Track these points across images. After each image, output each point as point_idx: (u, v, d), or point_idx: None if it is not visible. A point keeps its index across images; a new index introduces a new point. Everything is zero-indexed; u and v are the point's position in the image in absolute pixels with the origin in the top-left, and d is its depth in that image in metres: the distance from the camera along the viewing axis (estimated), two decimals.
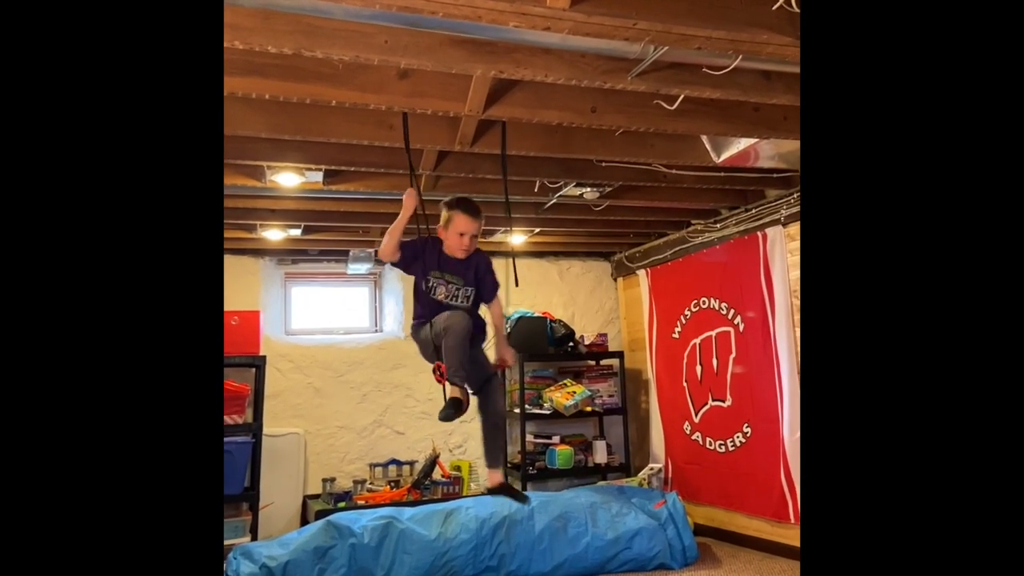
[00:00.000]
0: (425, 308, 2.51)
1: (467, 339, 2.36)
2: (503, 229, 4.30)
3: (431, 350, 2.46)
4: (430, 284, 2.49)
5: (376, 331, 5.00)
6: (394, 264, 2.51)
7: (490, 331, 2.67)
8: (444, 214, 2.49)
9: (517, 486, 4.63)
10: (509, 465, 4.86)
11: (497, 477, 2.65)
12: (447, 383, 2.32)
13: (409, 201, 2.46)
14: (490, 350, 2.69)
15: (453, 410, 2.30)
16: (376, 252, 4.66)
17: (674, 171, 3.41)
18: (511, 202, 3.16)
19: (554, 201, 3.75)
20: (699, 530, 4.17)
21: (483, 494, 2.52)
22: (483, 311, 2.64)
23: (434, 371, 2.38)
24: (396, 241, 2.44)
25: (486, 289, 2.59)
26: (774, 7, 1.90)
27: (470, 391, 2.45)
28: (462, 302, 2.52)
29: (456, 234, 2.46)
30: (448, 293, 2.51)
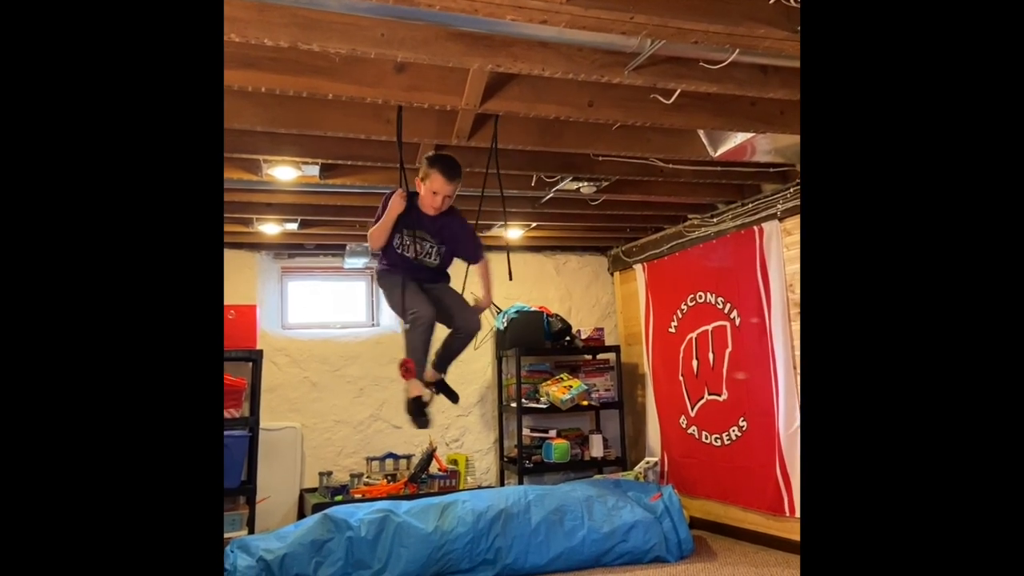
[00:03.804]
0: (394, 261, 2.60)
1: (430, 332, 2.47)
2: (499, 224, 4.30)
3: (399, 301, 2.52)
4: (403, 241, 2.56)
5: (373, 325, 5.00)
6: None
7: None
8: (423, 168, 2.52)
9: (512, 480, 4.65)
10: (506, 459, 4.88)
11: (435, 376, 2.70)
12: (411, 379, 2.44)
13: (398, 203, 2.51)
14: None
15: (420, 410, 2.45)
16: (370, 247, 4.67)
17: (671, 165, 3.41)
18: (507, 196, 3.15)
19: (551, 195, 3.75)
20: (695, 523, 4.19)
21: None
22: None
23: (401, 366, 2.45)
24: (386, 235, 2.52)
25: (467, 250, 2.68)
26: (771, 1, 1.90)
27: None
28: (434, 260, 2.60)
29: (430, 192, 2.49)
30: (420, 251, 2.58)
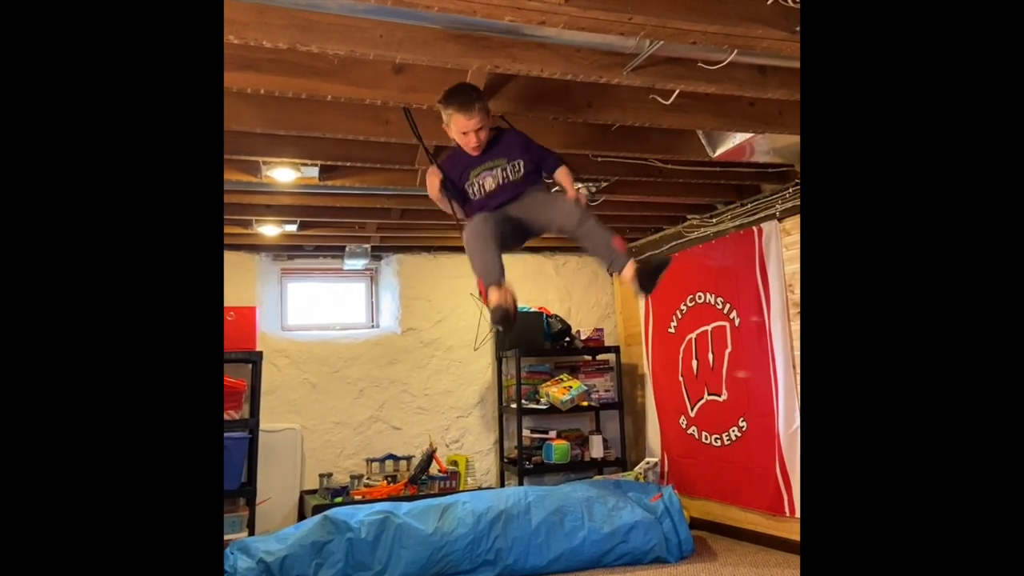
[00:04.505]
0: (475, 207, 2.44)
1: (488, 239, 2.25)
2: None
3: (491, 243, 2.28)
4: (475, 185, 2.42)
5: (372, 327, 5.00)
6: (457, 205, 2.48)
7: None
8: (442, 113, 2.32)
9: (512, 481, 4.64)
10: (506, 460, 4.88)
11: (630, 270, 2.25)
12: (487, 293, 2.19)
13: (432, 179, 2.45)
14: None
15: (501, 317, 2.16)
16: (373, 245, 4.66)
17: (670, 166, 3.41)
18: None
19: None
20: (695, 524, 4.19)
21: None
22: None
23: (481, 294, 2.26)
24: (449, 207, 2.45)
25: (543, 160, 2.49)
26: (769, 2, 1.90)
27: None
28: (514, 178, 2.42)
29: (460, 135, 2.33)
30: (496, 178, 2.41)
